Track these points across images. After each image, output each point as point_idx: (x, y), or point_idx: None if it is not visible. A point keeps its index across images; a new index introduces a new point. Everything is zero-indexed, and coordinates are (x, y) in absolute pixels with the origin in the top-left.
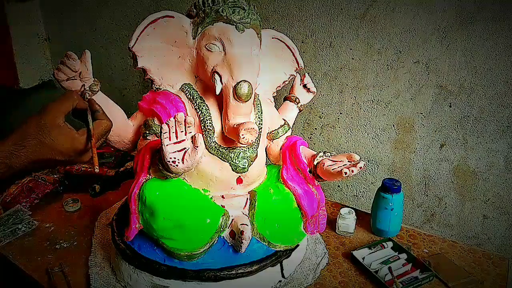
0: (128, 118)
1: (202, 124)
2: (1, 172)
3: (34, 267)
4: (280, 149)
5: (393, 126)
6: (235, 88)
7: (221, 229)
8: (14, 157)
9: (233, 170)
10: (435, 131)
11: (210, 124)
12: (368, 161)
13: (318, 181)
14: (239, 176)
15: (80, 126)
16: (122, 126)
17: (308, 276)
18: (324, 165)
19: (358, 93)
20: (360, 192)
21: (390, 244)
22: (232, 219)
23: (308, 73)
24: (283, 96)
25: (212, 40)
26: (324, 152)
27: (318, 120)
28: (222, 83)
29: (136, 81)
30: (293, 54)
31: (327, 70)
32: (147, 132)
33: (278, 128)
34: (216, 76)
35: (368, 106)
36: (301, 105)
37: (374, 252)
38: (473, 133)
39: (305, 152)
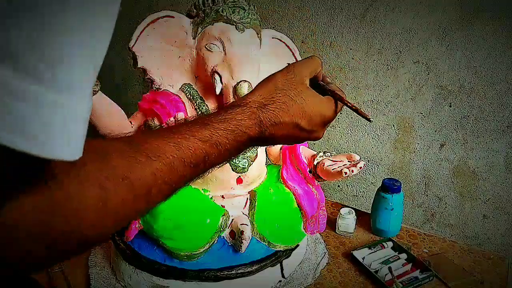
0: (128, 118)
1: None
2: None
3: None
4: (280, 149)
5: (393, 126)
6: (235, 88)
7: (221, 229)
8: (263, 110)
9: (233, 170)
10: (435, 131)
11: None
12: (368, 161)
13: (318, 181)
14: (239, 176)
15: None
16: (122, 126)
17: (308, 276)
18: (324, 165)
19: (358, 93)
20: (360, 192)
21: (390, 244)
22: (232, 219)
23: None
24: None
25: (212, 40)
26: (324, 152)
27: None
28: (222, 83)
29: (136, 81)
30: (293, 54)
31: (327, 70)
32: None
33: None
34: (216, 76)
35: (368, 106)
36: None
37: (374, 252)
38: (473, 133)
39: (305, 152)
